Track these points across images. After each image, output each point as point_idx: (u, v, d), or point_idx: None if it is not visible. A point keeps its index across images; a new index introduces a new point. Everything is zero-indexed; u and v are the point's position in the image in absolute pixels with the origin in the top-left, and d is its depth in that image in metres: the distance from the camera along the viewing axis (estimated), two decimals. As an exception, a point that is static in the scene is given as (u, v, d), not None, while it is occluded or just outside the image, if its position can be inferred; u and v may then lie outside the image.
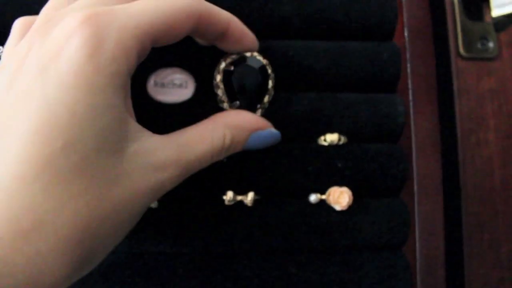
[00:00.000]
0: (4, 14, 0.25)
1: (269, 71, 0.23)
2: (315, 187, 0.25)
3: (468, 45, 0.30)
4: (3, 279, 0.15)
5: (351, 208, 0.24)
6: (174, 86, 0.23)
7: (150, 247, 0.24)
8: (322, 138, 0.25)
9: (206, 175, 0.23)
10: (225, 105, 0.23)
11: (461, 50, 0.29)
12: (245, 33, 0.22)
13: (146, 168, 0.18)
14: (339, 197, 0.24)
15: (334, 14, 0.26)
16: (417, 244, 0.26)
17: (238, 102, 0.23)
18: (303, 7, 0.26)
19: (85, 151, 0.16)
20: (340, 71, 0.26)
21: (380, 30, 0.27)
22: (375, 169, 0.25)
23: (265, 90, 0.23)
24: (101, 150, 0.16)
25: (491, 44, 0.30)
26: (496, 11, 0.30)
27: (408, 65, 0.28)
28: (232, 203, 0.24)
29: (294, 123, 0.25)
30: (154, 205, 0.24)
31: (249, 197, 0.24)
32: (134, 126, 0.18)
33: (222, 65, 0.23)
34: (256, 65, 0.23)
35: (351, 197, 0.24)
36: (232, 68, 0.23)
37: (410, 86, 0.28)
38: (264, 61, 0.23)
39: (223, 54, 0.23)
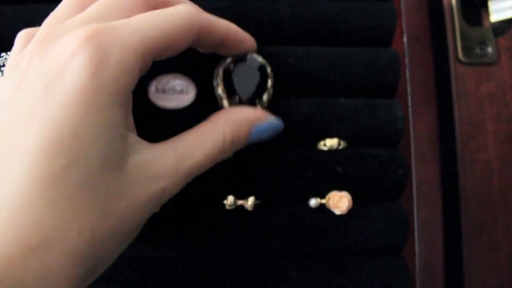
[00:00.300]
0: (8, 25, 0.25)
1: (268, 70, 0.24)
2: (315, 191, 0.25)
3: (467, 50, 0.30)
4: None
5: (350, 212, 0.25)
6: (175, 92, 0.23)
7: (151, 252, 0.24)
8: (322, 143, 0.25)
9: (207, 180, 0.24)
10: (225, 102, 0.23)
11: (460, 55, 0.30)
12: (243, 38, 0.22)
13: (146, 179, 0.18)
14: (339, 202, 0.24)
15: (334, 20, 0.26)
16: (416, 248, 0.26)
17: (237, 98, 0.23)
18: (302, 13, 0.26)
19: (88, 168, 0.16)
20: (339, 76, 0.26)
21: (379, 36, 0.27)
22: (374, 174, 0.25)
23: (264, 89, 0.24)
24: (104, 166, 0.17)
25: (490, 49, 0.30)
26: (495, 16, 0.30)
27: (407, 70, 0.28)
28: (233, 207, 0.24)
29: (294, 128, 0.25)
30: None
31: (250, 201, 0.24)
32: (133, 139, 0.18)
33: (223, 64, 0.23)
34: (256, 64, 0.23)
35: (351, 202, 0.24)
36: (232, 67, 0.23)
37: (409, 91, 0.28)
38: (264, 61, 0.24)
39: (223, 58, 0.24)
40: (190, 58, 0.24)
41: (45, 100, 0.16)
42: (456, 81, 0.29)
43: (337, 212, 0.24)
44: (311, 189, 0.25)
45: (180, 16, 0.19)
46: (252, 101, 0.23)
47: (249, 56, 0.23)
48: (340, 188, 0.25)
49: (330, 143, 0.25)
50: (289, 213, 0.25)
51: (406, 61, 0.28)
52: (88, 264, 0.17)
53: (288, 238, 0.25)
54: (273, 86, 0.24)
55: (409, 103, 0.28)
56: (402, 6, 0.29)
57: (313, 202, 0.25)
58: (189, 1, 0.21)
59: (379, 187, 0.25)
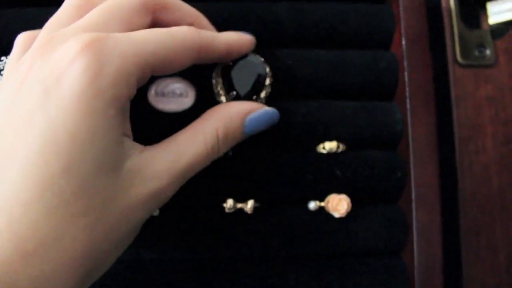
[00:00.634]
0: (7, 28, 0.25)
1: (267, 69, 0.24)
2: (314, 194, 0.25)
3: (465, 52, 0.30)
4: None
5: (349, 215, 0.25)
6: (175, 95, 0.23)
7: (150, 254, 0.24)
8: (321, 146, 0.25)
9: (206, 183, 0.24)
10: (223, 99, 0.23)
11: (459, 57, 0.30)
12: (243, 45, 0.23)
13: (141, 182, 0.18)
14: (338, 204, 0.24)
15: (333, 23, 0.27)
16: (415, 251, 0.26)
17: (234, 93, 0.23)
18: (301, 16, 0.26)
19: (84, 173, 0.16)
20: (338, 79, 0.26)
21: (377, 38, 0.27)
22: (373, 177, 0.25)
23: (262, 86, 0.24)
24: (100, 171, 0.17)
25: (488, 52, 0.30)
26: (493, 19, 0.30)
27: (406, 73, 0.28)
28: (232, 210, 0.24)
29: (293, 131, 0.25)
30: (155, 213, 0.24)
31: (249, 204, 0.24)
32: (129, 144, 0.19)
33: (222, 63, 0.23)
34: (255, 61, 0.23)
35: (350, 204, 0.24)
36: (231, 63, 0.23)
37: (407, 94, 0.28)
38: (263, 59, 0.24)
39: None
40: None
41: (44, 104, 0.16)
42: (455, 84, 0.29)
43: (336, 215, 0.25)
44: (310, 192, 0.25)
45: (180, 34, 0.19)
46: (249, 98, 0.23)
47: (248, 54, 0.24)
48: (339, 191, 0.25)
49: (329, 146, 0.25)
50: (289, 216, 0.25)
51: (405, 63, 0.28)
52: (85, 268, 0.17)
53: (288, 241, 0.25)
54: (272, 84, 0.24)
55: (408, 105, 0.28)
56: (401, 8, 0.29)
57: (312, 205, 0.25)
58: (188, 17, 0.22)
59: (378, 189, 0.25)
